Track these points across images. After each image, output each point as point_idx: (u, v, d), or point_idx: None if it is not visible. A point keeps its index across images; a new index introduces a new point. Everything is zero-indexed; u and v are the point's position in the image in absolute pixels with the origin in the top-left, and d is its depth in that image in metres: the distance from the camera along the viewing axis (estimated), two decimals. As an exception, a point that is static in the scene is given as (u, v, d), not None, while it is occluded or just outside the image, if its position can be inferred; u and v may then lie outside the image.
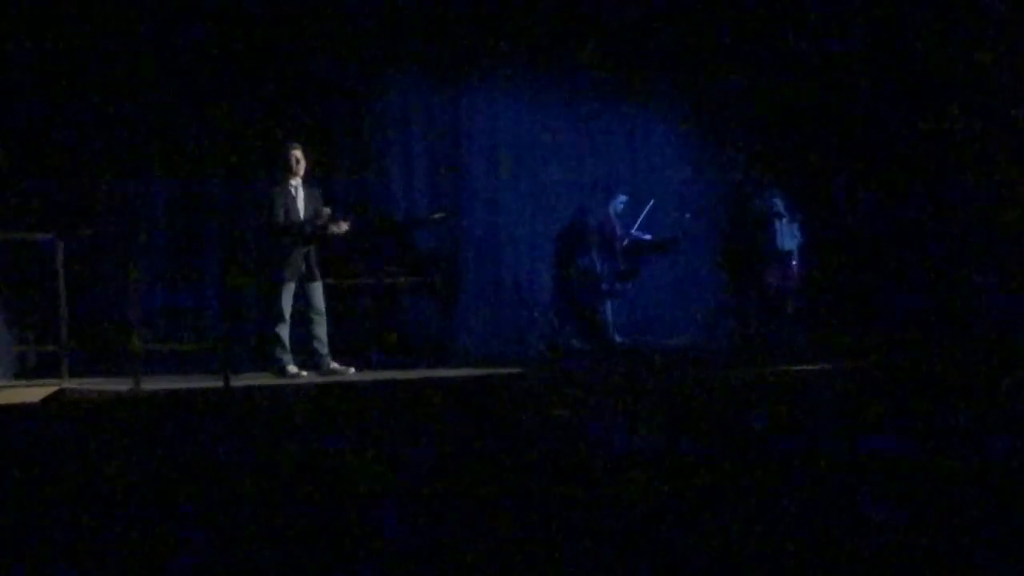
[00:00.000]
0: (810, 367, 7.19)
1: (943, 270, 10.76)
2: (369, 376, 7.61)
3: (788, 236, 10.76)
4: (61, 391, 6.71)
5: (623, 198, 11.05)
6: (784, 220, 10.83)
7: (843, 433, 4.35)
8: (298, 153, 7.66)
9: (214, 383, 6.61)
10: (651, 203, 11.11)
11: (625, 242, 10.89)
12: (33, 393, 6.61)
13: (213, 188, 9.80)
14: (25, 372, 8.31)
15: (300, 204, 7.65)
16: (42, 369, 8.17)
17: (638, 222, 11.01)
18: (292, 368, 7.51)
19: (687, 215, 11.30)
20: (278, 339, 7.54)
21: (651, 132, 12.48)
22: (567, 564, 2.47)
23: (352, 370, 7.66)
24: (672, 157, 12.46)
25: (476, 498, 3.22)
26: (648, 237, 11.02)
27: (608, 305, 10.86)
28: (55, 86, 8.88)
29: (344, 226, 7.71)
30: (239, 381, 6.77)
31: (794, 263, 10.75)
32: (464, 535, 2.75)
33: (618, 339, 10.74)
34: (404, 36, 10.66)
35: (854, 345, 9.27)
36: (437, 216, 9.39)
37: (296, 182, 7.66)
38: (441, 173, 11.16)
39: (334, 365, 7.63)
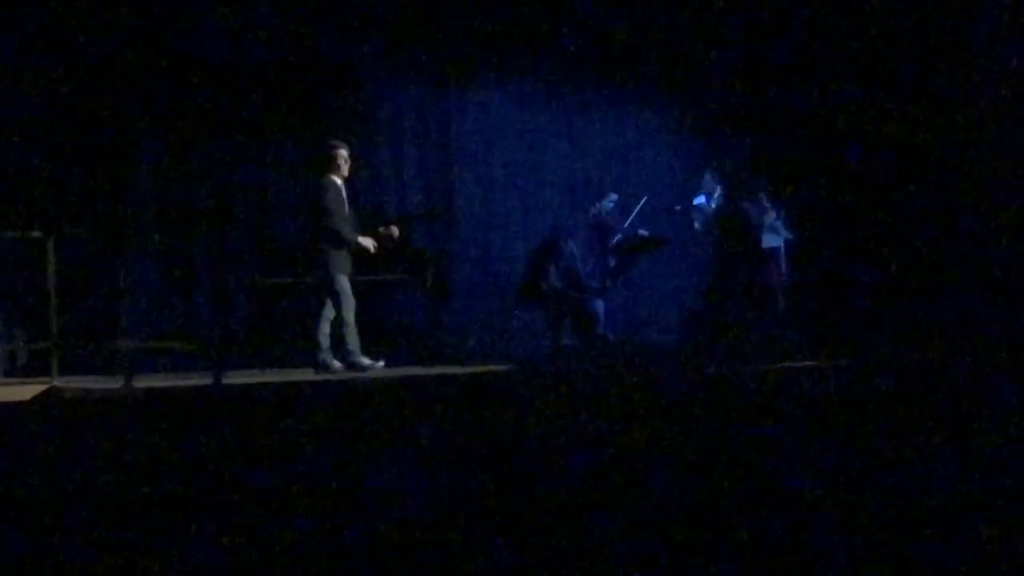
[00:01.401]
0: (799, 364, 7.21)
1: (935, 268, 10.78)
2: (360, 373, 7.62)
3: (773, 234, 10.79)
4: (51, 389, 6.70)
5: (613, 196, 11.07)
6: (770, 217, 10.86)
7: (831, 431, 4.37)
8: (344, 153, 7.79)
9: (205, 381, 6.61)
10: (644, 199, 11.13)
11: (617, 239, 10.90)
12: (23, 391, 6.59)
13: (204, 186, 9.80)
14: (15, 370, 8.30)
15: (346, 203, 7.78)
16: (32, 367, 8.16)
17: (630, 218, 11.02)
18: (367, 360, 7.57)
19: (677, 207, 11.30)
20: (352, 327, 7.60)
21: (643, 129, 12.51)
22: (562, 562, 2.48)
23: (382, 363, 7.71)
24: (664, 155, 12.49)
25: (470, 496, 3.23)
26: (644, 232, 11.03)
27: (600, 302, 10.88)
28: (47, 83, 8.86)
29: (395, 230, 8.01)
30: (230, 379, 6.77)
31: (782, 261, 10.78)
32: (459, 533, 2.75)
33: (610, 336, 10.75)
34: (395, 34, 10.66)
35: (844, 343, 9.29)
36: (428, 212, 9.40)
37: (341, 181, 7.76)
38: (432, 170, 11.18)
39: (337, 364, 7.68)
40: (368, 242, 7.71)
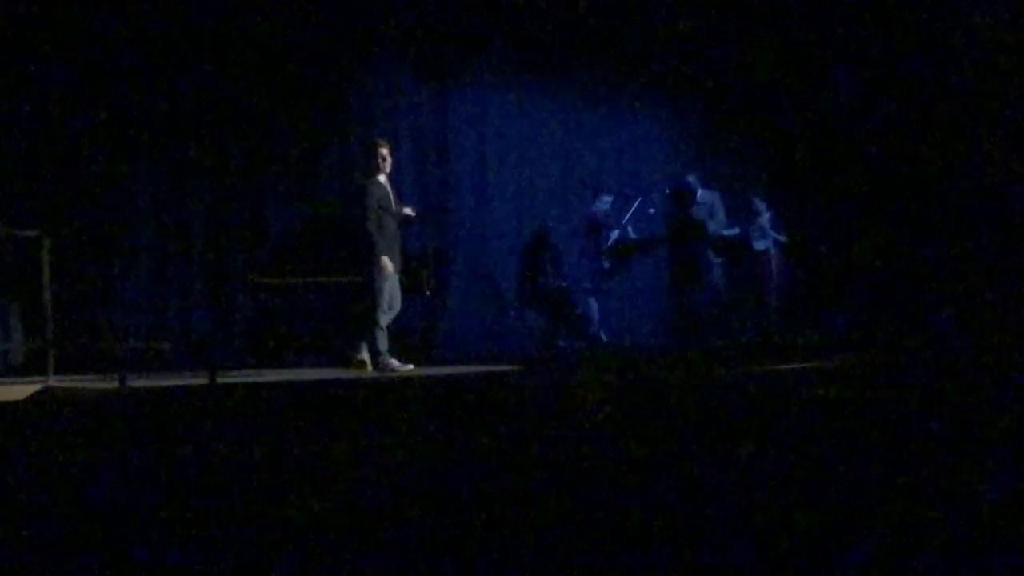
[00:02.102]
0: (793, 366, 7.20)
1: (934, 269, 10.76)
2: (356, 374, 7.60)
3: (763, 235, 10.78)
4: (47, 389, 6.68)
5: (607, 198, 11.05)
6: (764, 218, 10.85)
7: (825, 432, 4.37)
8: (385, 151, 7.79)
9: (200, 380, 6.59)
10: (638, 200, 11.11)
11: (612, 240, 10.89)
12: (18, 391, 6.57)
13: (199, 185, 9.79)
14: (10, 369, 8.28)
15: (392, 199, 7.80)
16: (27, 366, 8.14)
17: (626, 218, 11.00)
18: (395, 361, 7.58)
19: (651, 210, 11.21)
20: (383, 330, 7.60)
21: (638, 130, 12.50)
22: (560, 563, 2.48)
23: (411, 366, 7.71)
24: (660, 155, 12.48)
25: (466, 498, 3.23)
26: (633, 235, 11.02)
27: (594, 303, 10.87)
28: (42, 83, 8.85)
29: (409, 211, 8.01)
30: (225, 378, 6.75)
31: (772, 263, 10.77)
32: (456, 534, 2.75)
33: (604, 337, 10.74)
34: (392, 34, 10.65)
35: (838, 344, 9.28)
36: (419, 212, 9.42)
37: (384, 178, 7.78)
38: (429, 171, 11.17)
39: (393, 362, 7.69)
40: (389, 266, 7.65)
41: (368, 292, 7.65)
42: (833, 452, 3.78)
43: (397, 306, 7.78)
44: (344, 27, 10.33)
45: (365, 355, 7.63)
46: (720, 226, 10.80)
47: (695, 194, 10.67)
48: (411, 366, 7.70)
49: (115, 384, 6.61)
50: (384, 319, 7.63)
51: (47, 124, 8.87)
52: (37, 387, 6.69)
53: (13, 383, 7.02)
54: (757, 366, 7.24)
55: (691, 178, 10.93)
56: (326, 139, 10.44)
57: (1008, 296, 9.98)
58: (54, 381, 6.95)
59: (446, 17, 10.81)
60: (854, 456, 3.66)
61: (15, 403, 6.29)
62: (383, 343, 7.61)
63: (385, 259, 7.60)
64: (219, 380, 6.50)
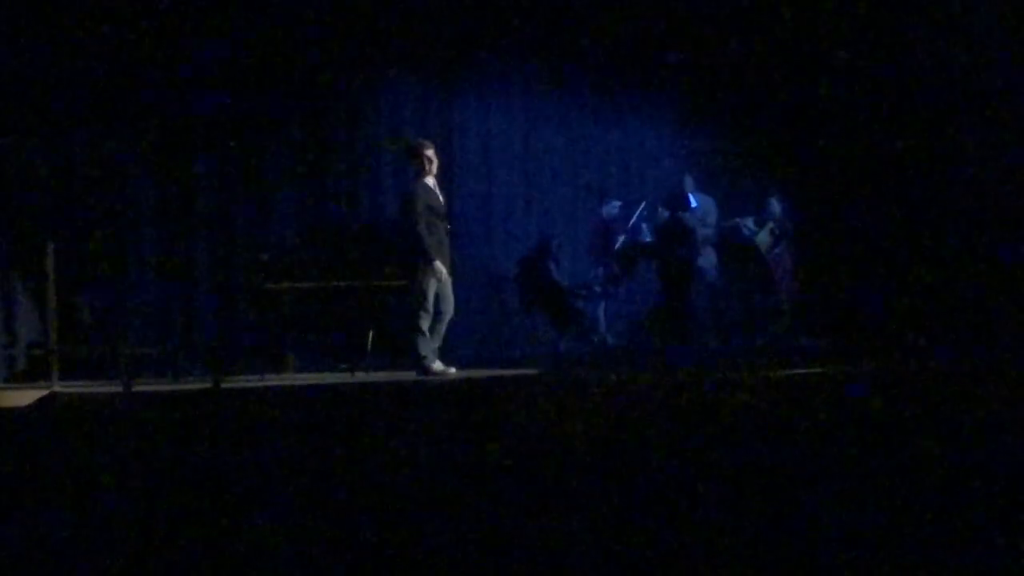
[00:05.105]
0: (804, 371, 7.17)
1: (941, 273, 10.70)
2: (359, 378, 7.59)
3: (774, 236, 10.76)
4: (51, 394, 6.68)
5: (617, 202, 11.03)
6: (776, 221, 10.83)
7: (836, 437, 4.34)
8: (430, 152, 7.79)
9: (205, 385, 6.59)
10: (643, 204, 11.08)
11: (619, 243, 10.87)
12: (23, 396, 6.57)
13: (204, 190, 9.78)
14: (15, 375, 8.28)
15: (441, 201, 7.80)
16: (32, 372, 8.14)
17: (632, 222, 10.98)
18: (439, 365, 7.54)
19: (645, 212, 11.15)
20: (426, 335, 7.58)
21: (642, 133, 12.47)
22: (562, 566, 2.46)
23: (453, 370, 7.69)
24: (666, 158, 12.45)
25: (467, 504, 3.21)
26: (641, 240, 10.99)
27: (601, 307, 10.84)
28: (46, 86, 8.85)
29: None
30: (231, 383, 6.75)
31: (785, 263, 10.73)
32: (458, 538, 2.73)
33: (610, 340, 10.72)
34: (397, 37, 10.64)
35: (849, 348, 9.24)
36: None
37: (432, 180, 7.77)
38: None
39: (436, 365, 7.67)
40: (442, 270, 7.62)
41: (413, 296, 7.62)
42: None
43: (450, 309, 7.72)
44: (347, 30, 10.32)
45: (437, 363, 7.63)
46: (711, 232, 10.78)
47: (688, 197, 10.65)
48: (453, 370, 7.65)
49: (120, 389, 6.60)
50: (427, 323, 7.59)
51: (51, 129, 8.87)
52: (42, 393, 6.69)
53: (18, 388, 7.03)
54: (760, 371, 7.22)
55: (687, 179, 10.89)
56: (330, 143, 10.43)
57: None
58: (59, 386, 6.95)
59: (451, 20, 10.80)
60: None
61: (20, 408, 6.29)
62: (426, 347, 7.56)
63: (438, 263, 7.56)
64: (224, 385, 6.49)
